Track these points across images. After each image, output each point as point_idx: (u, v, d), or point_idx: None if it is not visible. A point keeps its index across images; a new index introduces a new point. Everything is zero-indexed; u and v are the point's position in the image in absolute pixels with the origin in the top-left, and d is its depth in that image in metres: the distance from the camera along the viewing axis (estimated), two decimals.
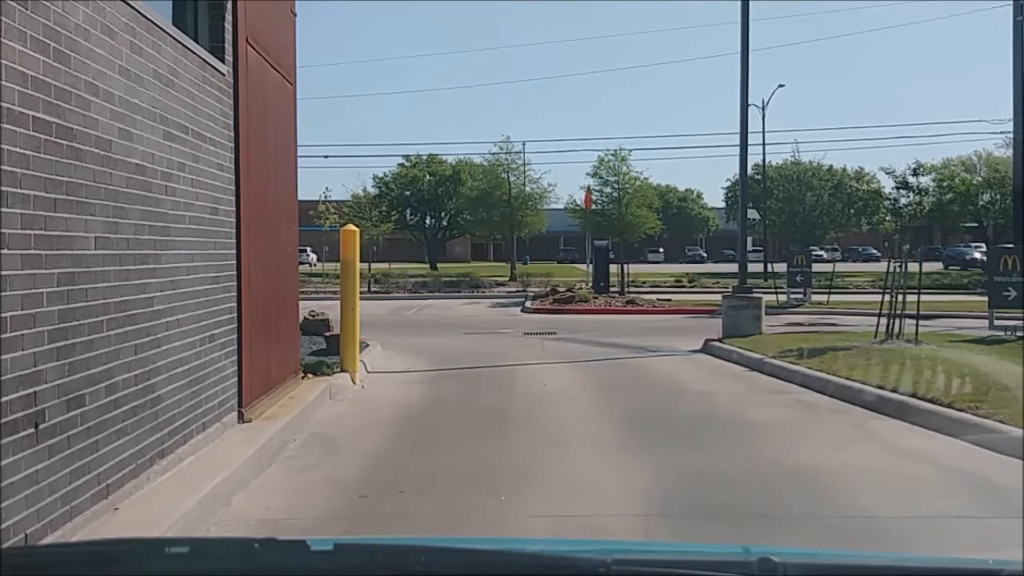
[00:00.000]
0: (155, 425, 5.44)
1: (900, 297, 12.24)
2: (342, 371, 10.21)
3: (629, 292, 26.94)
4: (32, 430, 4.02)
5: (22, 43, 3.98)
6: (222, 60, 6.94)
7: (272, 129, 8.52)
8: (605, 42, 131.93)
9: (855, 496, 5.70)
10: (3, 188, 3.82)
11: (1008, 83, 15.22)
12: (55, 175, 4.26)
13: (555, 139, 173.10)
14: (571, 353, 14.03)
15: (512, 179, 42.33)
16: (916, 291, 12.47)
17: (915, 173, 53.35)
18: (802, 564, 1.65)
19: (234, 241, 7.15)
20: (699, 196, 78.26)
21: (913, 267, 12.97)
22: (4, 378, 3.81)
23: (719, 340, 13.97)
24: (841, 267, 37.44)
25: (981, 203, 50.23)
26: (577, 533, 4.99)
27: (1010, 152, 26.61)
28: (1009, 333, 13.56)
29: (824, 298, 24.11)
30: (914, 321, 12.16)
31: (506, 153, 42.37)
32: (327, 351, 11.40)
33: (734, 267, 23.22)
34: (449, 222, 60.78)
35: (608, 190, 37.86)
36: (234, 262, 7.14)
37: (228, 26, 7.05)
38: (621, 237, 36.81)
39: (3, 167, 3.82)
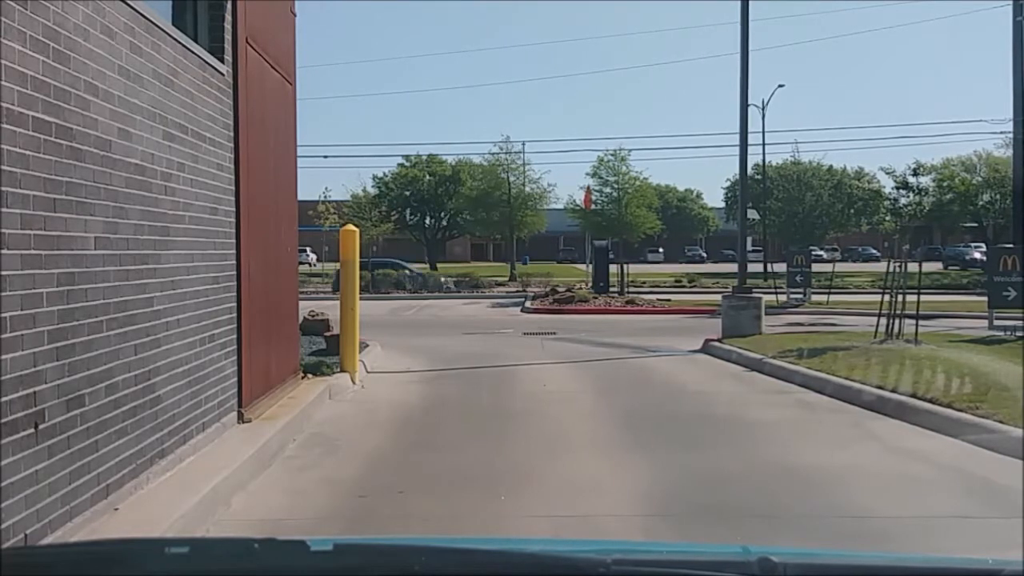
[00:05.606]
0: (155, 425, 5.44)
1: (900, 297, 12.25)
2: (342, 371, 10.21)
3: (629, 292, 26.94)
4: (32, 430, 4.02)
5: (22, 43, 3.98)
6: (222, 60, 6.94)
7: (272, 129, 8.52)
8: (605, 42, 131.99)
9: (855, 496, 5.70)
10: (3, 188, 3.82)
11: (1008, 83, 15.24)
12: (55, 175, 4.26)
13: (555, 139, 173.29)
14: (571, 353, 14.03)
15: (512, 179, 42.36)
16: (916, 291, 12.48)
17: (915, 173, 53.44)
18: (802, 564, 1.65)
19: (234, 241, 7.15)
20: (699, 196, 78.39)
21: (913, 267, 12.98)
22: (4, 378, 3.81)
23: (719, 340, 13.97)
24: (841, 267, 37.46)
25: (981, 203, 50.27)
26: (577, 533, 4.99)
27: (1010, 152, 26.61)
28: (1009, 333, 13.56)
29: (824, 298, 24.13)
30: (914, 321, 12.17)
31: (506, 153, 42.50)
32: (327, 351, 11.40)
33: (734, 267, 23.23)
34: (449, 222, 60.80)
35: (608, 190, 37.91)
36: (234, 262, 7.14)
37: (228, 26, 7.06)
38: (621, 237, 36.82)
39: (3, 167, 3.82)
